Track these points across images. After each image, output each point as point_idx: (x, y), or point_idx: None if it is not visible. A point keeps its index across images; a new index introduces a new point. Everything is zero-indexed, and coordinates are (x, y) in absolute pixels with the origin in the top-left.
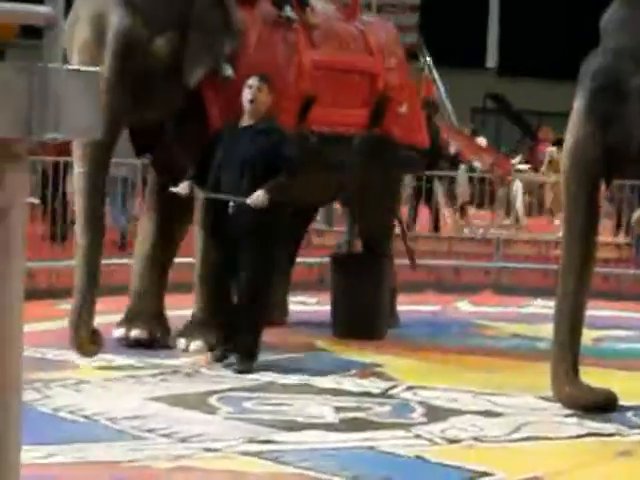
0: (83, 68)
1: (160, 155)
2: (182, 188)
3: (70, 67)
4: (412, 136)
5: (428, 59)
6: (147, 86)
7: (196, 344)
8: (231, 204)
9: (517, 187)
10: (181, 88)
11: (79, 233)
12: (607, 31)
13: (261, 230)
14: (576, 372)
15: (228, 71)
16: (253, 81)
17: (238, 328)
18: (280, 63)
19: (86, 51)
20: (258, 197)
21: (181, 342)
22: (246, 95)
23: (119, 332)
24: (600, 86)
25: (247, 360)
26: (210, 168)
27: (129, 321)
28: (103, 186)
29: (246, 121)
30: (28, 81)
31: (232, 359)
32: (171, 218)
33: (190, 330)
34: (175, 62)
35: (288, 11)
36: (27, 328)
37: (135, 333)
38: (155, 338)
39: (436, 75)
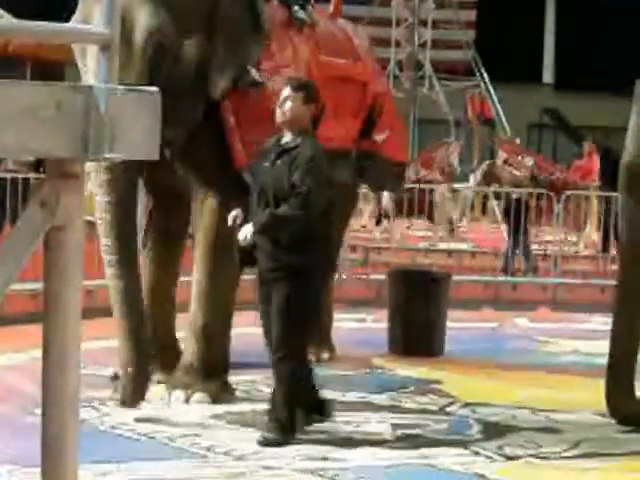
0: (141, 88)
1: (156, 176)
2: (245, 235)
3: (127, 87)
4: (399, 152)
5: (484, 75)
6: (174, 97)
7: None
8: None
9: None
10: (204, 100)
11: (111, 275)
12: None
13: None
14: (632, 389)
15: (257, 77)
16: (286, 90)
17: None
18: (296, 69)
19: None
20: (244, 233)
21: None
22: (278, 107)
23: None
24: None
25: (280, 433)
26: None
27: None
28: (134, 217)
29: (284, 137)
30: (85, 101)
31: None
32: (168, 247)
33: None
34: (202, 68)
35: (299, 12)
36: (85, 346)
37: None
38: None
39: (492, 91)
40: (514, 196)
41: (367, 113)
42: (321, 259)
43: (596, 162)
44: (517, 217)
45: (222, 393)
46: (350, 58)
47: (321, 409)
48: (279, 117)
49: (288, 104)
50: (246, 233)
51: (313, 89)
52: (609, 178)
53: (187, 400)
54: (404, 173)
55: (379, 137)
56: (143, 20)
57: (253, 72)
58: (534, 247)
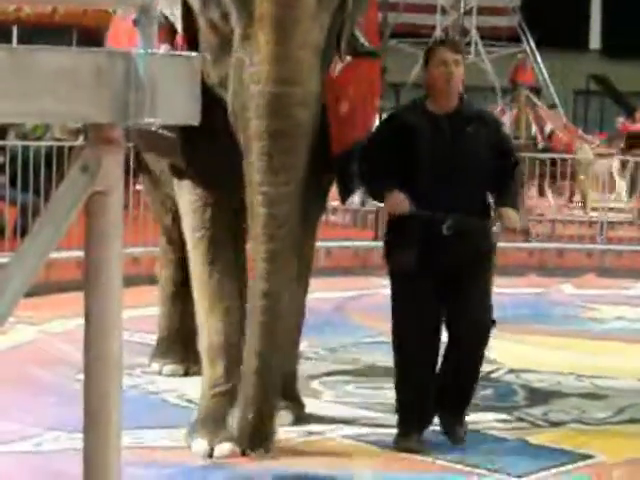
0: (180, 53)
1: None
2: (400, 203)
3: (166, 52)
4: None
5: (531, 42)
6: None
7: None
8: (446, 225)
9: (615, 167)
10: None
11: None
12: None
13: (488, 258)
14: None
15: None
16: (446, 54)
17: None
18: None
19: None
20: (513, 217)
21: None
22: (440, 73)
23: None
24: None
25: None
26: (386, 174)
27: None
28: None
29: (443, 107)
30: (125, 67)
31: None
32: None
33: None
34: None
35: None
36: (131, 313)
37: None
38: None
39: (539, 58)
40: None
41: None
42: None
43: None
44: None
45: None
46: None
47: None
48: (442, 81)
49: (454, 68)
50: (514, 216)
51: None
52: None
53: None
54: None
55: None
56: None
57: (360, 37)
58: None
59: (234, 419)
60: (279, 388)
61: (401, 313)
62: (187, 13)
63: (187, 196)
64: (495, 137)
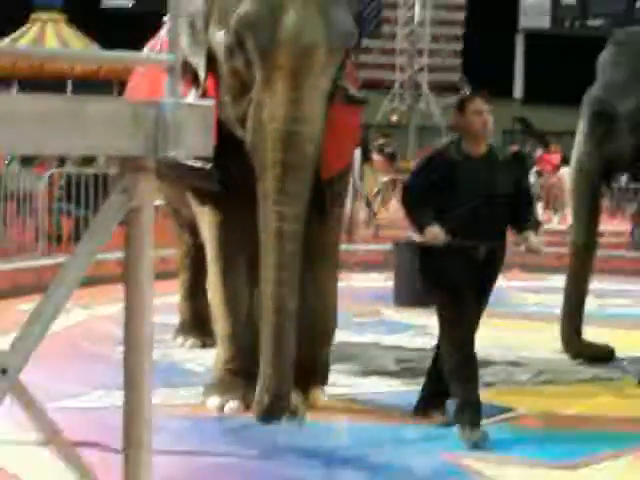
0: (196, 102)
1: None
2: (437, 236)
3: (187, 102)
4: None
5: (468, 92)
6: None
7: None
8: (480, 251)
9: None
10: None
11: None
12: (601, 69)
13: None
14: (580, 332)
15: (355, 93)
16: (481, 104)
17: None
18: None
19: None
20: (536, 241)
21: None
22: (477, 121)
23: (178, 341)
24: (596, 112)
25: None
26: (426, 206)
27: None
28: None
29: (478, 150)
30: (154, 113)
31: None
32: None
33: None
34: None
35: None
36: (157, 301)
37: (189, 342)
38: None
39: None
40: None
41: None
42: None
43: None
44: None
45: None
46: None
47: None
48: (479, 128)
49: (487, 116)
50: (536, 240)
51: None
52: None
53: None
54: None
55: None
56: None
57: (349, 87)
58: None
59: (255, 396)
60: (291, 375)
61: (449, 318)
62: (209, 62)
63: (207, 217)
64: (517, 177)
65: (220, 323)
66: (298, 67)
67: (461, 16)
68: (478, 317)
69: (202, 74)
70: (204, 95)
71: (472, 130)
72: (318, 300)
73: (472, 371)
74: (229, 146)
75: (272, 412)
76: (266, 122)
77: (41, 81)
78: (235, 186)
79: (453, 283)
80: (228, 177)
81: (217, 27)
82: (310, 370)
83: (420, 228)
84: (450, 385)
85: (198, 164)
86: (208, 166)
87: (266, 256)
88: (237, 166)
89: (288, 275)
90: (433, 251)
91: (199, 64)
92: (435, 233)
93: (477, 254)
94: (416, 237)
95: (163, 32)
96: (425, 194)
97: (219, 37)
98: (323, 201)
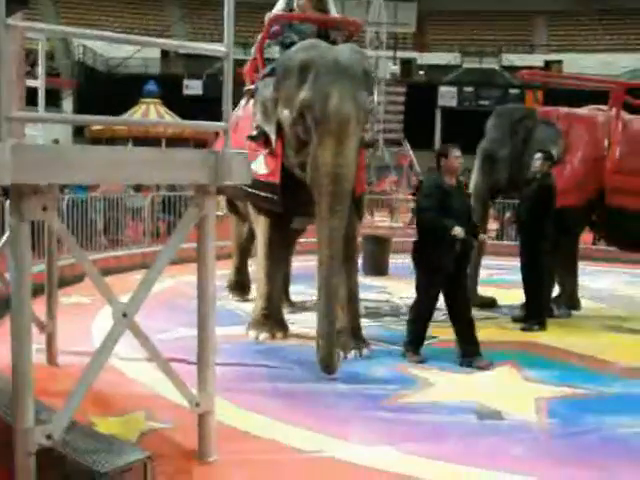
0: (240, 151)
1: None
2: (461, 232)
3: (234, 151)
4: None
5: (407, 144)
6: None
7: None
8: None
9: None
10: None
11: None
12: (487, 130)
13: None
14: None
15: (371, 138)
16: (458, 152)
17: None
18: None
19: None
20: (482, 236)
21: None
22: (456, 163)
23: (230, 296)
24: (485, 156)
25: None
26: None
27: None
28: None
29: (452, 181)
30: (215, 157)
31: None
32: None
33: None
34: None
35: None
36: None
37: (236, 297)
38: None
39: (411, 152)
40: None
41: None
42: None
43: None
44: None
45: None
46: None
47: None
48: (458, 167)
49: (460, 159)
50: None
51: None
52: None
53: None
54: None
55: None
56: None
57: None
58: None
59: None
60: (335, 333)
61: (427, 291)
62: (277, 130)
63: (261, 220)
64: (468, 197)
65: (261, 287)
66: (340, 132)
67: (402, 98)
68: (463, 287)
69: (273, 137)
70: (273, 151)
71: (453, 169)
72: (352, 278)
73: (424, 323)
74: (290, 182)
75: (327, 360)
76: (321, 166)
77: (147, 139)
78: (286, 206)
79: (442, 268)
80: (286, 201)
81: (283, 107)
82: (358, 333)
83: (445, 229)
84: (407, 324)
85: (268, 194)
86: (275, 197)
87: (321, 251)
88: (292, 194)
89: (336, 262)
90: (427, 245)
91: (271, 131)
92: (459, 230)
93: (457, 247)
94: (458, 232)
95: (239, 108)
96: (437, 207)
97: (286, 113)
98: (359, 210)
